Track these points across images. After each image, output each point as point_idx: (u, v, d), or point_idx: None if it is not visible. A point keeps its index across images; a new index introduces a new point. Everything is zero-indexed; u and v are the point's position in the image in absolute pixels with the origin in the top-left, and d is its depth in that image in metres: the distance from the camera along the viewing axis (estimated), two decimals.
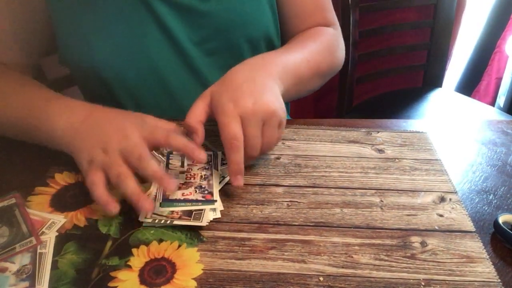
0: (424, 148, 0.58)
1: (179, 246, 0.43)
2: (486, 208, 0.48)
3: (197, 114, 0.50)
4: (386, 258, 0.42)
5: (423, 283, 0.39)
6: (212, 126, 0.50)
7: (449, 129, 0.63)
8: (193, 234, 0.44)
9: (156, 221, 0.45)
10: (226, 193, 0.50)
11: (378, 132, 0.61)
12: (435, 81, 1.38)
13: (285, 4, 0.69)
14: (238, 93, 0.49)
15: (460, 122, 0.65)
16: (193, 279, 0.39)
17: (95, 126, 0.49)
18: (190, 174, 0.51)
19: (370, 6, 1.22)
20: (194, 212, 0.46)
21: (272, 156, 0.56)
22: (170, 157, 0.54)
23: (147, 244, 0.43)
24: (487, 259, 0.42)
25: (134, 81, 0.66)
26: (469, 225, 0.46)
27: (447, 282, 0.40)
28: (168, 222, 0.45)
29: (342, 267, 0.41)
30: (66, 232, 0.45)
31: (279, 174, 0.53)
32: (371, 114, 1.27)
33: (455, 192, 0.50)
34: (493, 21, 1.61)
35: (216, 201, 0.47)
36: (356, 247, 0.43)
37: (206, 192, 0.48)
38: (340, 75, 1.27)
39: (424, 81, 1.39)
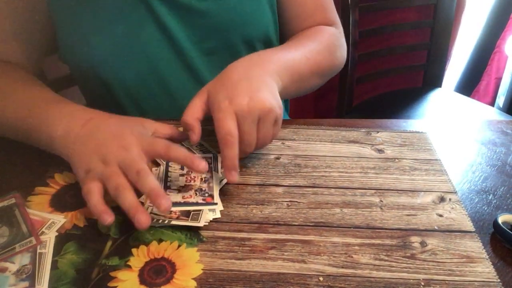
0: (424, 148, 0.58)
1: (179, 246, 0.43)
2: (485, 208, 0.49)
3: (193, 112, 0.50)
4: (386, 258, 0.42)
5: (423, 283, 0.39)
6: (212, 127, 0.50)
7: (448, 129, 0.63)
8: (193, 234, 0.44)
9: (154, 220, 0.44)
10: (226, 193, 0.50)
11: (378, 132, 0.61)
12: (435, 81, 1.38)
13: (286, 4, 0.69)
14: (234, 90, 0.49)
15: (459, 122, 0.65)
16: (193, 279, 0.39)
17: (93, 133, 0.48)
18: (190, 177, 0.51)
19: (370, 6, 1.22)
20: (192, 212, 0.46)
21: (272, 156, 0.56)
22: None
23: (147, 244, 0.43)
24: (487, 259, 0.42)
25: (133, 80, 0.66)
26: (469, 225, 0.46)
27: (447, 282, 0.40)
28: (166, 222, 0.44)
29: (342, 267, 0.41)
30: (66, 232, 0.45)
31: (279, 174, 0.53)
32: (371, 114, 1.27)
33: (455, 192, 0.50)
34: (492, 21, 1.61)
35: (216, 203, 0.47)
36: (356, 247, 0.43)
37: (206, 194, 0.48)
38: (340, 75, 1.27)
39: (424, 81, 1.39)
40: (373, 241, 0.44)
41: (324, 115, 1.65)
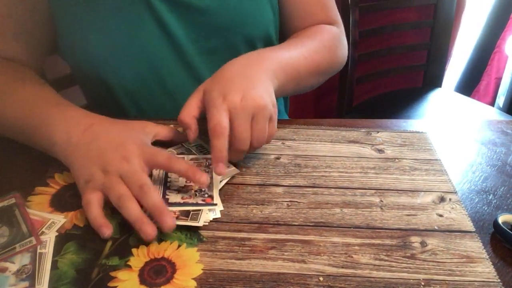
0: (424, 148, 0.58)
1: (179, 246, 0.43)
2: (485, 208, 0.49)
3: (189, 110, 0.50)
4: (386, 258, 0.42)
5: (423, 283, 0.39)
6: None
7: (449, 129, 0.63)
8: (193, 234, 0.44)
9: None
10: (226, 193, 0.50)
11: (378, 132, 0.61)
12: (435, 81, 1.38)
13: (287, 2, 0.69)
14: (228, 87, 0.49)
15: (460, 122, 0.65)
16: (193, 279, 0.39)
17: (94, 141, 0.48)
18: None
19: (370, 6, 1.22)
20: (191, 212, 0.46)
21: (272, 156, 0.56)
22: None
23: (147, 244, 0.43)
24: (487, 259, 0.42)
25: (133, 80, 0.66)
26: (469, 225, 0.46)
27: (447, 282, 0.40)
28: None
29: (342, 267, 0.41)
30: (66, 232, 0.45)
31: (279, 174, 0.53)
32: (371, 114, 1.27)
33: (455, 192, 0.50)
34: (492, 21, 1.61)
35: (216, 204, 0.47)
36: (356, 247, 0.43)
37: (206, 195, 0.48)
38: (340, 75, 1.27)
39: (424, 81, 1.39)
40: (373, 241, 0.44)
41: (324, 115, 1.65)
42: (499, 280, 0.40)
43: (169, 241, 0.43)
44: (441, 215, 0.47)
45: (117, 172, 0.45)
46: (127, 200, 0.43)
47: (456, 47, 1.66)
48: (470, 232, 0.45)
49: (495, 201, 0.50)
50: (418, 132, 0.61)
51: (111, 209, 0.46)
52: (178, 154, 0.55)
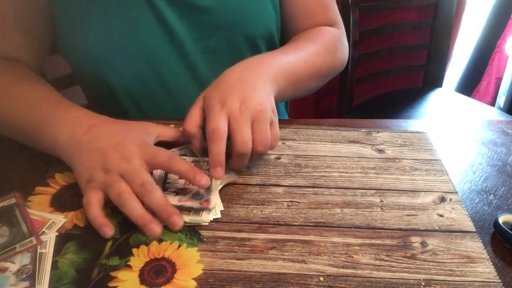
0: (424, 148, 0.58)
1: (179, 246, 0.43)
2: (486, 208, 0.48)
3: (193, 120, 0.51)
4: (386, 258, 0.42)
5: (423, 283, 0.39)
6: None
7: (449, 129, 0.63)
8: (193, 234, 0.44)
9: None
10: (226, 193, 0.50)
11: (378, 132, 0.61)
12: (435, 81, 1.38)
13: (288, 3, 0.69)
14: (227, 93, 0.50)
15: (460, 122, 0.65)
16: (193, 279, 0.39)
17: (95, 141, 0.48)
18: None
19: (370, 6, 1.22)
20: (192, 212, 0.46)
21: (272, 156, 0.56)
22: None
23: (147, 244, 0.43)
24: (487, 259, 0.42)
25: (133, 79, 0.66)
26: (470, 225, 0.46)
27: (447, 282, 0.40)
28: None
29: (342, 267, 0.41)
30: (66, 232, 0.45)
31: (279, 174, 0.53)
32: (371, 114, 1.27)
33: (456, 192, 0.50)
34: (493, 21, 1.61)
35: (213, 208, 0.47)
36: (356, 247, 0.43)
37: (203, 199, 0.48)
38: (340, 75, 1.27)
39: (424, 81, 1.39)
40: (373, 241, 0.44)
41: (324, 115, 1.65)
42: (499, 281, 0.40)
43: (169, 241, 0.43)
44: (441, 215, 0.47)
45: (118, 171, 0.45)
46: (128, 197, 0.43)
47: (456, 47, 1.66)
48: (471, 232, 0.45)
49: (495, 201, 0.50)
50: (419, 132, 0.61)
51: (111, 209, 0.46)
52: (180, 155, 0.54)
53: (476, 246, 0.43)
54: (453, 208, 0.48)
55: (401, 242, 0.44)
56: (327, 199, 0.49)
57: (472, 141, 0.60)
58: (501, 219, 0.45)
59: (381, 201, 0.49)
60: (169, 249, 0.42)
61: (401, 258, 0.42)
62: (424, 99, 1.31)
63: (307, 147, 0.58)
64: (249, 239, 0.44)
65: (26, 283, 0.39)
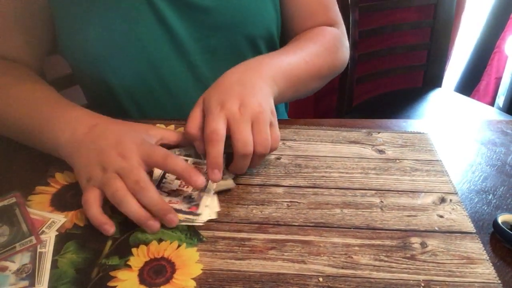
0: (425, 149, 0.58)
1: (179, 246, 0.43)
2: (485, 208, 0.49)
3: (194, 122, 0.50)
4: (386, 259, 0.42)
5: (423, 284, 0.39)
6: None
7: (448, 129, 0.63)
8: (192, 234, 0.44)
9: None
10: (226, 193, 0.50)
11: (379, 132, 0.61)
12: (435, 81, 1.38)
13: (288, 2, 0.69)
14: (226, 95, 0.50)
15: (459, 122, 0.65)
16: (193, 279, 0.39)
17: (96, 140, 0.48)
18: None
19: (370, 6, 1.22)
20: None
21: (273, 156, 0.56)
22: None
23: (147, 243, 0.43)
24: (487, 260, 0.42)
25: (133, 79, 0.66)
26: (470, 226, 0.46)
27: (447, 283, 0.40)
28: None
29: (342, 268, 0.41)
30: (66, 231, 0.45)
31: (279, 174, 0.53)
32: (371, 114, 1.27)
33: (456, 193, 0.50)
34: (492, 21, 1.61)
35: (199, 214, 0.46)
36: (356, 248, 0.43)
37: (193, 203, 0.47)
38: (340, 75, 1.25)
39: (424, 81, 1.39)
40: (373, 241, 0.44)
41: (324, 115, 1.65)
42: (499, 281, 0.40)
43: (169, 241, 0.43)
44: (441, 216, 0.47)
45: (113, 169, 0.45)
46: (123, 195, 0.43)
47: (456, 47, 1.66)
48: (471, 233, 0.45)
49: (494, 201, 0.50)
50: (419, 133, 0.61)
51: (111, 209, 0.46)
52: (185, 155, 0.54)
53: (476, 247, 0.43)
54: (453, 209, 0.48)
55: (401, 242, 0.44)
56: (327, 200, 0.49)
57: (472, 141, 0.60)
58: (500, 219, 0.45)
59: (381, 201, 0.49)
60: (168, 249, 0.42)
61: (401, 258, 0.42)
62: (424, 99, 1.31)
63: (308, 148, 0.58)
64: (249, 239, 0.44)
65: (26, 282, 0.39)
